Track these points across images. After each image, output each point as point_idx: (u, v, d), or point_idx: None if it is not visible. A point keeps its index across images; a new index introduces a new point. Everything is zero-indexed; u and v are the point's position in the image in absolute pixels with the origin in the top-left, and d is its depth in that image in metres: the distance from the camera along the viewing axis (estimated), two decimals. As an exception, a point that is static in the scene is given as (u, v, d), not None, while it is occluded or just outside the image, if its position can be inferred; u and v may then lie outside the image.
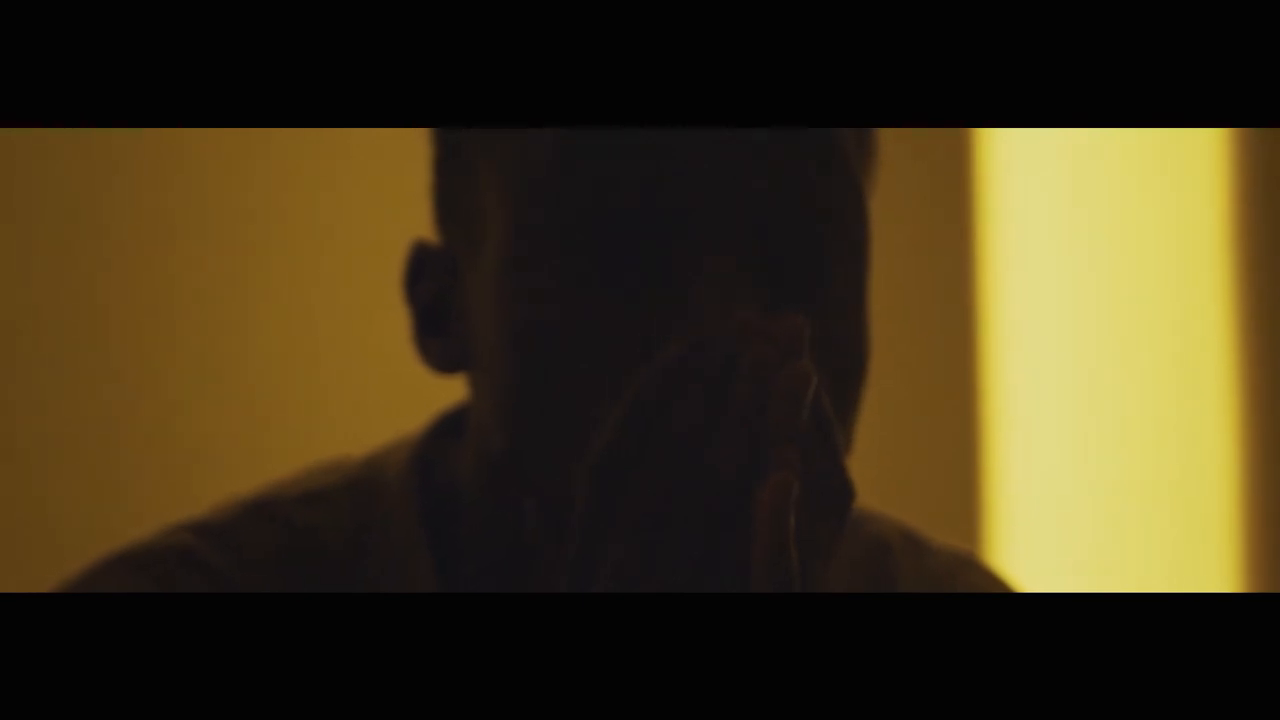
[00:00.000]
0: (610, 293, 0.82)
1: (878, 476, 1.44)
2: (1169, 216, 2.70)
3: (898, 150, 2.78)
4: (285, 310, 2.44)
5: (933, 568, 0.99)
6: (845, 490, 0.80)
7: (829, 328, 0.83)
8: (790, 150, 0.82)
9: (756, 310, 0.81)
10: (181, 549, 0.91)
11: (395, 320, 2.20)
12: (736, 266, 0.81)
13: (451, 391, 2.14)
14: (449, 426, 0.92)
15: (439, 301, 0.88)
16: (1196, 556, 2.63)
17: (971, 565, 1.00)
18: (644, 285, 0.82)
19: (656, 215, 0.81)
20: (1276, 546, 2.56)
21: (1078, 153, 2.82)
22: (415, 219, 2.15)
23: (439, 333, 0.88)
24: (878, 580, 0.97)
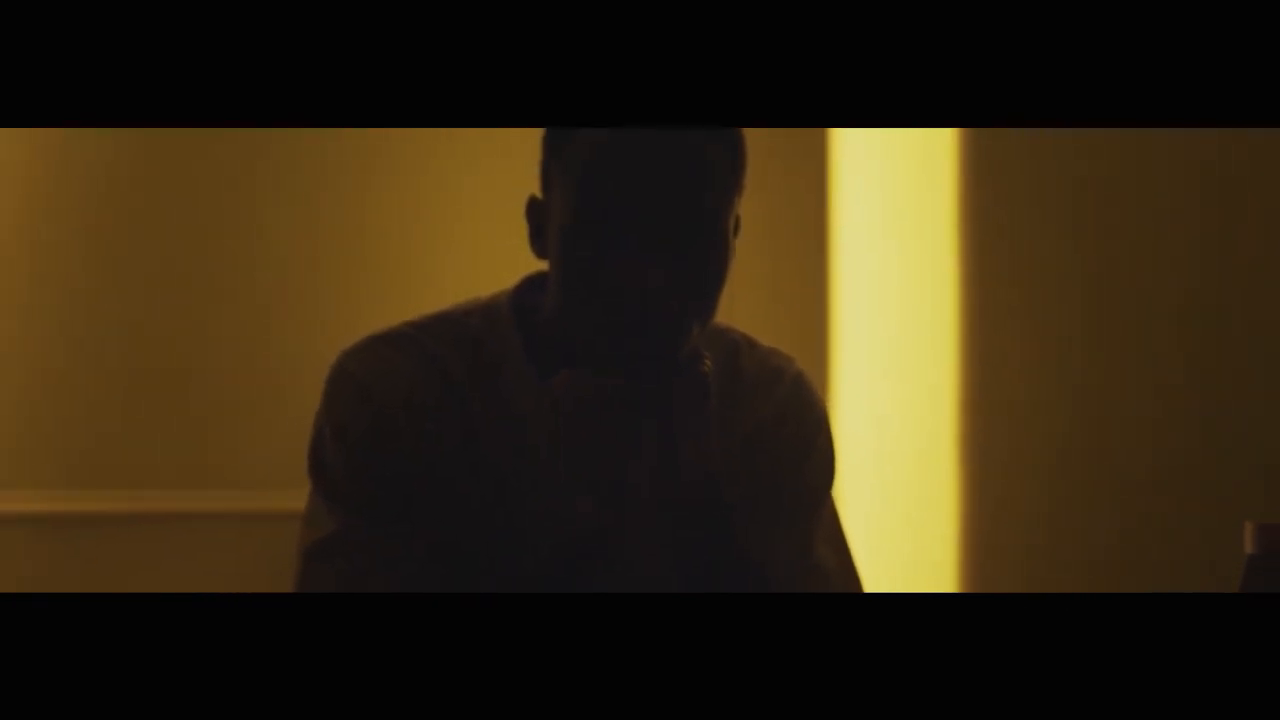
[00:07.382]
0: (607, 230, 1.56)
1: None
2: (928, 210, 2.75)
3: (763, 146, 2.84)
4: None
5: (759, 356, 1.74)
6: (720, 273, 1.57)
7: (702, 248, 1.56)
8: (701, 147, 1.57)
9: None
10: (405, 334, 1.67)
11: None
12: (657, 228, 1.55)
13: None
14: (535, 281, 1.71)
15: (539, 223, 1.63)
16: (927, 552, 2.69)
17: (781, 354, 1.76)
18: (622, 231, 1.55)
19: (625, 191, 1.55)
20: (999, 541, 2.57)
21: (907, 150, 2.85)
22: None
23: (538, 237, 1.64)
24: (730, 367, 1.71)
